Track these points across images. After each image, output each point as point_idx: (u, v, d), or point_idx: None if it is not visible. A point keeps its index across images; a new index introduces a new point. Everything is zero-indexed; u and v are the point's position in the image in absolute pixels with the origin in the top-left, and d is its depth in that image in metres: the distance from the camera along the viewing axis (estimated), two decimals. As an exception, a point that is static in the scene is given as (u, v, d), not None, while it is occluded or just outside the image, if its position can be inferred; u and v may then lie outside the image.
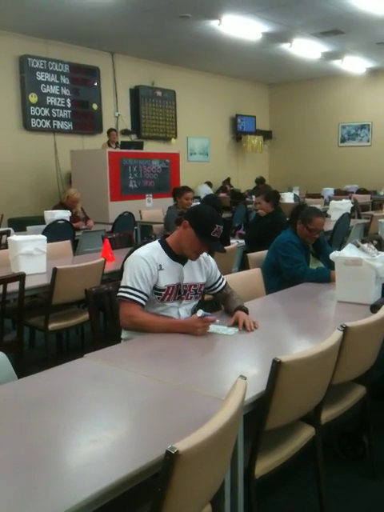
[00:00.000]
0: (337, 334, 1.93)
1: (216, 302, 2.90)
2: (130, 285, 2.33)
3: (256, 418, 1.71)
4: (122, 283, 2.37)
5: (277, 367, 1.63)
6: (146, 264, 2.35)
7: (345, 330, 1.97)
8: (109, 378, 1.85)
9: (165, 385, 1.77)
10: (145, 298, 2.35)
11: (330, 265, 3.12)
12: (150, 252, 2.40)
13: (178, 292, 2.46)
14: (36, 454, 1.33)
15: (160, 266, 2.39)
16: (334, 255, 2.88)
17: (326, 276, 3.25)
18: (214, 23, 8.01)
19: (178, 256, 2.44)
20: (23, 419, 1.53)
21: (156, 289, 2.40)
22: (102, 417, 1.56)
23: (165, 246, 2.45)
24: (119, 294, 2.36)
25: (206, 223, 2.34)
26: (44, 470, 1.26)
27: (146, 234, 6.52)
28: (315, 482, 2.11)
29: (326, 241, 3.94)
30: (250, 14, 7.61)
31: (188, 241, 2.37)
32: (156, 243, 2.48)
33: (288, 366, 1.65)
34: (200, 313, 2.26)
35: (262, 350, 2.19)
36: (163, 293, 2.41)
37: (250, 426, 1.68)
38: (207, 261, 2.58)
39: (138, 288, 2.32)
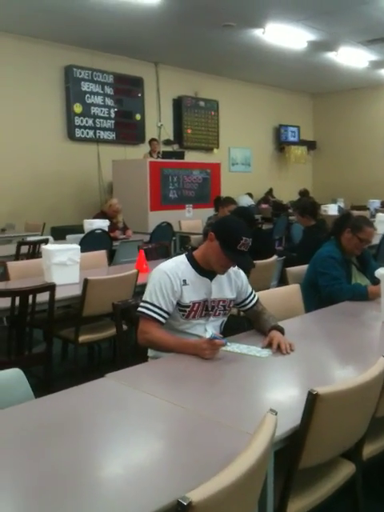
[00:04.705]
0: (382, 362, 1.73)
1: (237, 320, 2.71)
2: (148, 300, 2.22)
3: (289, 454, 1.54)
4: (143, 297, 2.26)
5: (313, 400, 1.46)
6: (168, 279, 2.21)
7: (390, 357, 1.77)
8: (128, 402, 1.72)
9: (187, 413, 1.62)
10: (163, 314, 2.21)
11: (375, 281, 2.91)
12: (175, 266, 2.26)
13: (205, 308, 2.31)
14: (45, 484, 1.21)
15: (184, 281, 2.24)
16: (380, 272, 2.67)
17: (362, 292, 3.04)
18: (258, 32, 7.90)
19: (206, 270, 2.29)
20: (35, 443, 1.42)
21: (180, 305, 2.25)
22: (116, 449, 1.41)
23: (191, 259, 2.31)
24: (139, 308, 2.25)
25: (231, 236, 2.19)
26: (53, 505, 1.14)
27: (184, 244, 6.42)
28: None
29: (371, 255, 3.71)
30: (295, 22, 7.45)
31: (214, 254, 2.22)
32: (182, 257, 2.34)
33: (326, 399, 1.47)
34: (209, 333, 2.11)
35: (299, 377, 2.01)
36: (188, 310, 2.26)
37: (282, 462, 1.52)
38: (237, 275, 2.42)
39: (157, 304, 2.20)
